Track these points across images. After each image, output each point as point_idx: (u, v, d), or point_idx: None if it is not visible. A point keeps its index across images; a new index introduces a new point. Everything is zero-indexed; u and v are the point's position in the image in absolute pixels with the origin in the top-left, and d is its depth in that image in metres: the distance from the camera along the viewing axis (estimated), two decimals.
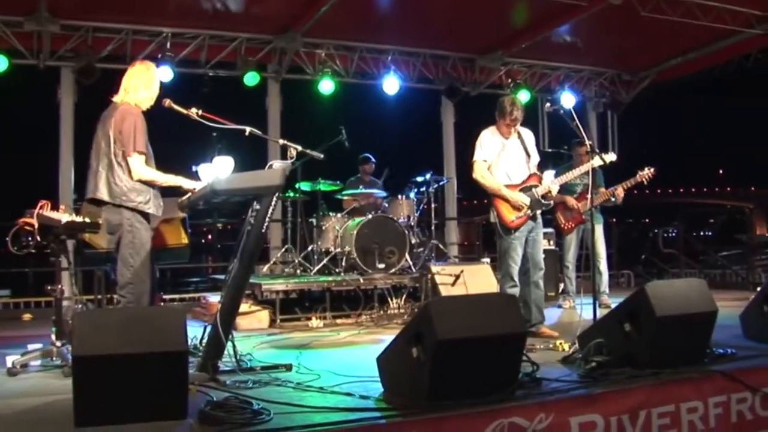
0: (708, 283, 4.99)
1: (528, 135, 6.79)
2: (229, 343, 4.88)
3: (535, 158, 6.76)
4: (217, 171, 5.59)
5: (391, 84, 12.26)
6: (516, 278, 6.46)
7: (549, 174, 7.16)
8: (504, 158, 6.62)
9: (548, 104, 6.40)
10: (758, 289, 7.08)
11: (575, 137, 8.27)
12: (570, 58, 13.29)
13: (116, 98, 5.56)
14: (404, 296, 8.51)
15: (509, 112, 6.48)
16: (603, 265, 8.91)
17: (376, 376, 4.32)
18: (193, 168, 5.90)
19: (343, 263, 8.89)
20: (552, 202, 6.86)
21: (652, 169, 8.36)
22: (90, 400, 3.39)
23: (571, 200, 8.80)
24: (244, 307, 7.47)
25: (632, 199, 9.06)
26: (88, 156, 5.54)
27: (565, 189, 8.47)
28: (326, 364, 5.19)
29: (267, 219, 4.89)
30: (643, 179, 8.39)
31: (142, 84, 5.56)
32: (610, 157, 7.01)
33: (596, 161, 6.61)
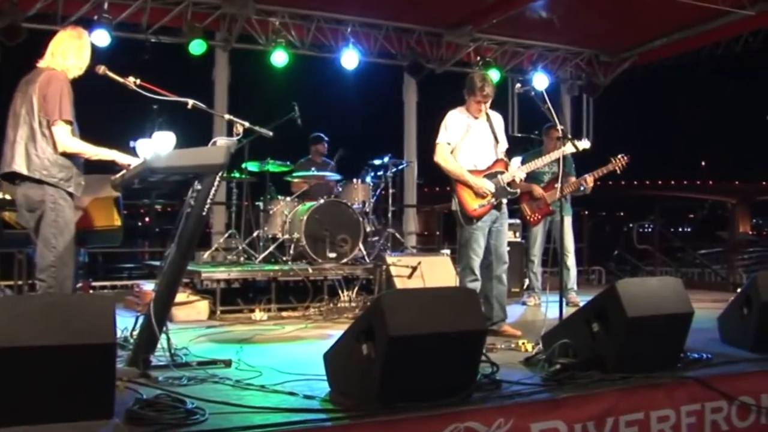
0: (685, 283, 5.04)
1: (497, 119, 6.79)
2: (163, 336, 4.82)
3: (504, 144, 6.76)
4: (157, 147, 5.48)
5: (349, 58, 12.20)
6: (477, 272, 6.46)
7: (516, 161, 7.19)
8: (470, 141, 6.60)
9: (519, 85, 6.42)
10: (738, 290, 7.19)
11: (547, 122, 8.33)
12: (544, 36, 13.30)
13: (41, 63, 5.43)
14: (356, 288, 8.50)
15: (480, 88, 6.45)
16: (571, 260, 8.96)
17: (323, 375, 4.30)
18: (131, 143, 5.79)
19: (291, 251, 8.85)
20: (518, 190, 6.88)
21: (625, 157, 8.41)
22: (3, 397, 3.31)
23: (537, 190, 8.83)
24: (181, 296, 7.39)
25: (606, 190, 9.15)
26: (4, 125, 5.39)
27: (532, 177, 8.50)
28: (269, 360, 5.16)
29: (209, 201, 4.82)
30: (616, 167, 8.44)
31: (72, 51, 5.43)
32: (583, 144, 7.05)
33: (568, 148, 6.64)
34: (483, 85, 6.46)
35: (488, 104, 6.61)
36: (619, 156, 8.44)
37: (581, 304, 8.12)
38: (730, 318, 5.77)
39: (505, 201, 6.68)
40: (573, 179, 8.77)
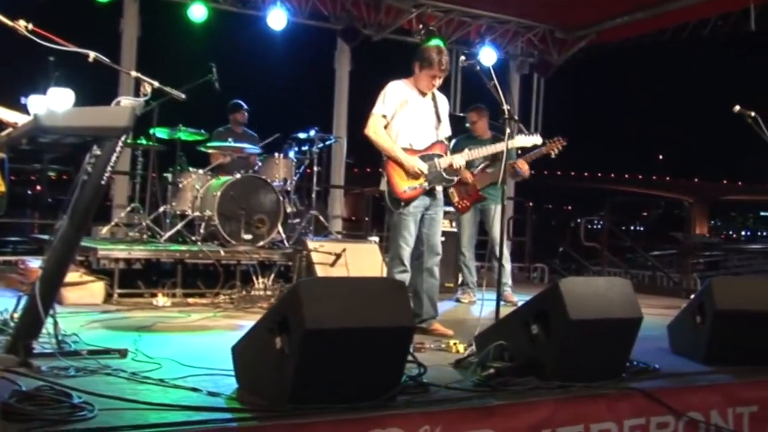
0: (634, 286, 5.08)
1: (443, 100, 6.78)
2: (50, 320, 4.70)
3: (446, 128, 6.75)
4: (52, 105, 5.34)
5: (277, 18, 12.10)
6: (407, 262, 6.46)
7: (452, 142, 7.19)
8: (408, 117, 6.55)
9: (463, 58, 6.44)
10: (691, 296, 7.34)
11: (493, 101, 8.35)
12: (495, 6, 13.39)
13: None
14: (273, 275, 8.44)
15: (439, 62, 6.40)
16: (498, 250, 9.03)
17: (230, 370, 4.25)
18: (22, 100, 5.62)
19: (202, 231, 8.78)
20: (455, 178, 6.88)
21: (561, 139, 8.44)
22: None
23: (466, 174, 8.79)
24: (73, 276, 7.27)
25: (553, 181, 9.23)
26: None
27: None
28: (170, 351, 5.08)
29: (109, 168, 4.71)
30: (551, 151, 8.45)
31: None
32: (534, 139, 7.09)
33: (518, 141, 6.64)
34: (441, 57, 6.42)
35: (441, 80, 6.61)
36: (555, 138, 8.45)
37: (518, 303, 8.26)
38: (681, 326, 5.84)
39: (440, 188, 6.68)
40: (510, 162, 8.79)
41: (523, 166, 8.72)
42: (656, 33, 13.92)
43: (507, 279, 9.10)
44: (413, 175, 6.45)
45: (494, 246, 8.41)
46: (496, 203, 8.80)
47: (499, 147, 6.96)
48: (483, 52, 13.15)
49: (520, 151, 8.70)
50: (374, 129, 6.53)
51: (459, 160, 6.68)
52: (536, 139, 7.13)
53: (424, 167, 6.46)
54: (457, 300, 9.15)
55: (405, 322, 4.02)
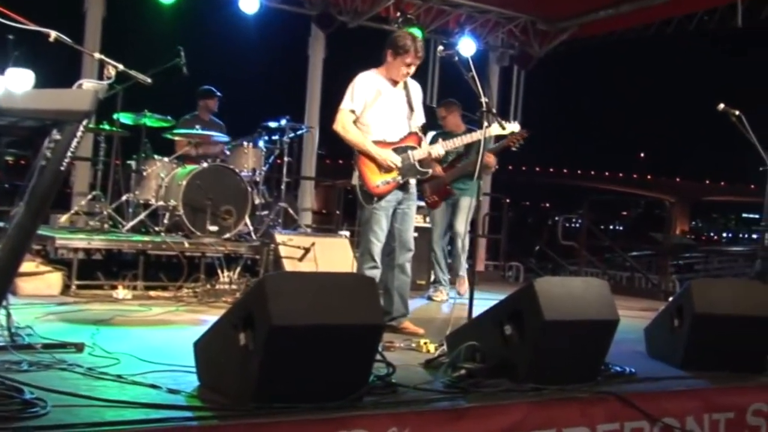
0: (612, 287, 5.11)
1: (415, 88, 6.77)
2: (3, 312, 4.67)
3: (420, 117, 6.74)
4: (10, 86, 5.28)
5: (249, 1, 12.03)
6: (377, 258, 6.45)
7: (430, 136, 7.19)
8: (380, 109, 6.53)
9: (441, 48, 6.42)
10: (670, 299, 7.38)
11: (470, 93, 8.36)
12: None
13: None
14: (239, 269, 8.42)
15: (414, 49, 6.39)
16: (459, 243, 9.10)
17: (192, 366, 4.23)
18: None
19: (166, 221, 8.75)
20: (430, 170, 6.88)
21: (524, 132, 8.41)
22: None
23: (436, 168, 8.80)
24: (29, 266, 7.24)
25: (531, 177, 9.29)
26: None
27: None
28: (130, 346, 5.05)
29: (69, 154, 4.66)
30: (511, 143, 8.44)
31: None
32: (512, 126, 7.10)
33: (494, 129, 6.65)
34: (416, 45, 6.40)
35: (414, 69, 6.59)
36: (518, 132, 8.42)
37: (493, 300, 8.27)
38: (658, 329, 5.87)
39: (413, 181, 6.67)
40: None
41: (490, 159, 8.78)
42: (641, 27, 13.98)
43: (462, 270, 9.17)
44: (386, 169, 6.44)
45: (456, 239, 8.51)
46: (465, 196, 8.87)
47: (475, 136, 6.95)
48: (462, 43, 13.14)
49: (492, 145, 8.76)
50: (343, 124, 6.50)
51: (438, 149, 6.67)
52: (514, 127, 7.11)
53: (397, 160, 6.45)
54: (429, 298, 9.17)
55: (375, 320, 4.01)
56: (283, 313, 3.64)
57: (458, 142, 7.12)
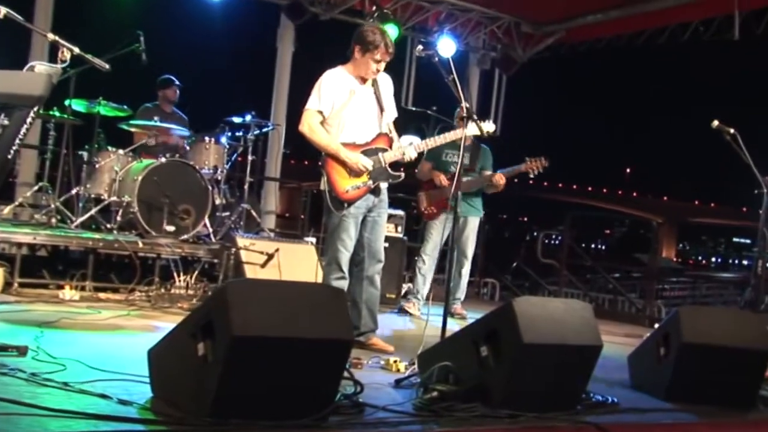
0: (593, 310, 5.13)
1: (385, 82, 6.76)
2: None
3: (391, 113, 6.74)
4: None
5: None
6: (345, 269, 6.46)
7: (408, 139, 7.22)
8: (350, 110, 6.52)
9: (421, 47, 6.46)
10: (655, 325, 7.43)
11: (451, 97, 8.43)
12: None
13: None
14: (196, 273, 8.40)
15: (384, 44, 6.38)
16: (467, 267, 9.22)
17: (145, 376, 4.22)
18: None
19: (119, 218, 8.75)
20: (402, 174, 6.90)
21: (544, 161, 8.66)
22: None
23: (440, 178, 8.97)
24: None
25: (509, 188, 9.37)
26: None
27: (436, 165, 8.70)
28: (77, 351, 5.02)
29: (17, 142, 4.65)
30: (530, 170, 8.70)
31: None
32: (487, 126, 7.17)
33: (470, 129, 6.70)
34: (386, 40, 6.39)
35: (384, 65, 6.60)
36: (537, 158, 8.68)
37: (469, 319, 8.34)
38: (643, 358, 5.89)
39: (385, 186, 6.67)
40: (487, 173, 9.01)
41: (501, 180, 8.96)
42: (631, 35, 14.03)
43: (461, 293, 9.29)
44: (356, 173, 6.43)
45: (462, 259, 8.60)
46: (473, 216, 8.98)
47: (449, 136, 6.96)
48: (441, 42, 13.13)
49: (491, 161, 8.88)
50: (309, 126, 6.46)
51: (410, 151, 6.63)
52: (489, 126, 7.19)
53: (368, 164, 6.44)
54: (401, 311, 9.19)
55: (344, 334, 4.02)
56: (245, 323, 3.64)
57: (431, 143, 7.13)
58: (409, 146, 6.69)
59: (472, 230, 9.26)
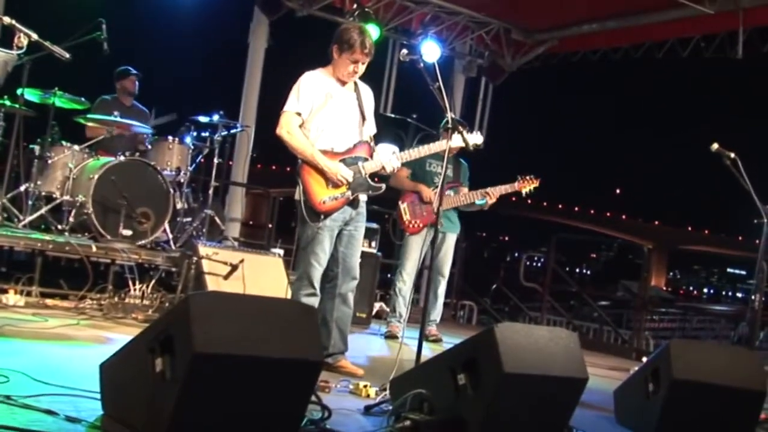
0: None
1: (367, 93, 6.79)
2: None
3: (371, 126, 6.77)
4: None
5: None
6: (317, 284, 6.44)
7: (385, 148, 7.25)
8: (330, 114, 6.51)
9: (405, 51, 6.42)
10: (644, 359, 7.46)
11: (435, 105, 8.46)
12: None
13: None
14: (153, 281, 8.35)
15: (361, 43, 6.37)
16: (443, 286, 9.22)
17: (96, 392, 4.20)
18: None
19: (71, 219, 8.71)
20: (383, 186, 6.90)
21: (535, 179, 8.71)
22: None
23: (427, 191, 9.00)
24: None
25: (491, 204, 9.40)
26: None
27: (420, 178, 8.73)
28: (21, 362, 4.98)
29: None
30: (522, 189, 8.73)
31: None
32: (475, 138, 7.20)
33: (454, 141, 6.73)
34: (363, 39, 6.38)
35: (364, 68, 6.60)
36: (529, 177, 8.72)
37: (444, 342, 8.37)
38: (630, 393, 5.92)
39: (363, 198, 6.67)
40: (465, 190, 9.04)
41: (492, 199, 8.97)
42: (628, 47, 14.08)
43: (436, 316, 9.32)
44: (334, 184, 6.42)
45: (439, 278, 8.66)
46: (451, 233, 9.02)
47: (434, 147, 6.98)
48: (425, 46, 13.08)
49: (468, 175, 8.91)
50: (288, 129, 6.43)
51: (394, 162, 6.62)
52: (476, 138, 7.23)
53: (348, 175, 6.43)
54: (389, 334, 9.19)
55: (313, 355, 4.03)
56: (209, 339, 3.63)
57: (415, 154, 7.15)
58: (391, 156, 6.66)
59: (450, 247, 9.30)
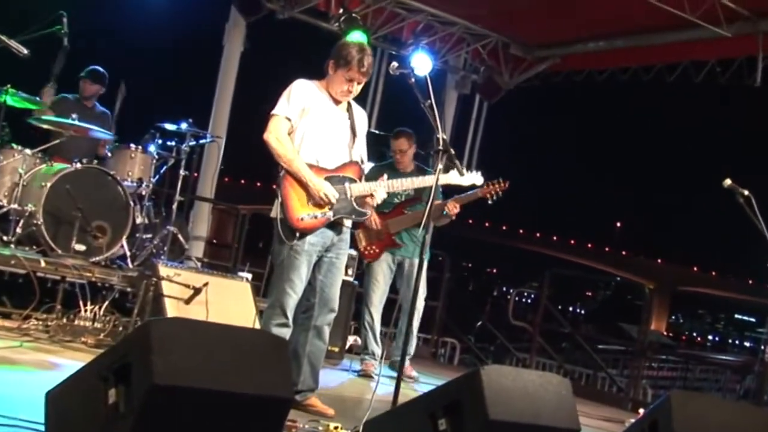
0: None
1: (361, 117, 6.82)
2: None
3: (362, 146, 6.78)
4: None
5: None
6: (290, 314, 6.40)
7: (368, 168, 7.24)
8: (319, 125, 6.51)
9: (395, 64, 6.40)
10: (641, 411, 7.45)
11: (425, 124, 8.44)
12: (439, 0, 13.44)
13: None
14: (106, 302, 8.32)
15: (358, 62, 6.38)
16: (417, 319, 9.14)
17: (40, 423, 4.18)
18: None
19: (19, 230, 8.69)
20: (369, 212, 6.89)
21: (503, 183, 8.55)
22: None
23: (375, 218, 8.92)
24: None
25: (476, 233, 9.36)
26: None
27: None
28: None
29: None
30: (487, 195, 8.55)
31: None
32: (474, 178, 7.20)
33: (453, 177, 6.72)
34: (362, 57, 6.40)
35: (360, 89, 6.60)
36: (495, 181, 8.52)
37: (420, 381, 8.35)
38: None
39: (348, 223, 6.64)
40: (438, 202, 8.91)
41: (454, 209, 8.81)
42: (637, 69, 14.08)
43: (411, 349, 9.22)
44: (317, 201, 6.38)
45: (414, 312, 8.61)
46: (413, 256, 8.93)
47: (428, 181, 7.00)
48: (415, 58, 13.04)
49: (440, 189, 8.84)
50: (276, 134, 6.40)
51: (381, 193, 6.62)
52: (476, 179, 7.23)
53: (333, 195, 6.39)
54: (362, 373, 9.18)
55: (283, 392, 4.02)
56: (169, 369, 3.62)
57: (408, 184, 7.13)
58: (380, 188, 6.64)
59: (412, 274, 9.10)
